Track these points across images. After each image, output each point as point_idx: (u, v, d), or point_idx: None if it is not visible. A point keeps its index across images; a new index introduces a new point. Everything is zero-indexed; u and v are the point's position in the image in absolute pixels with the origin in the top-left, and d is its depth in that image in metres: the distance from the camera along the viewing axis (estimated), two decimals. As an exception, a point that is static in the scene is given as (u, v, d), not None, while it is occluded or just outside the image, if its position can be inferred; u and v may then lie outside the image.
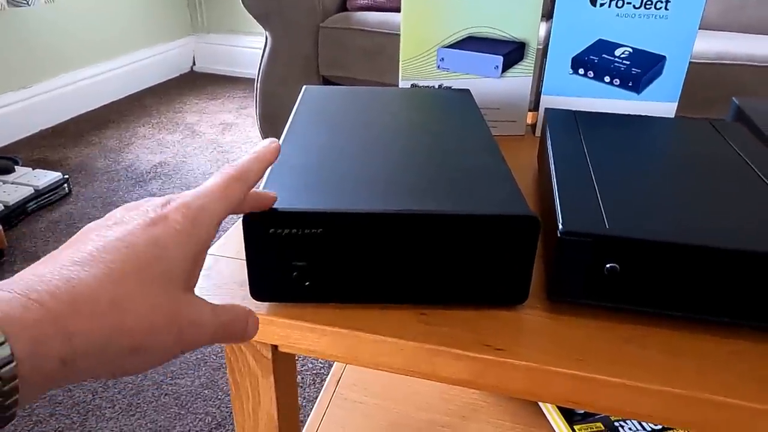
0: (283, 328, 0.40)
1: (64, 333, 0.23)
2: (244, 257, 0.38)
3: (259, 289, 0.39)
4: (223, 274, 0.44)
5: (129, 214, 0.28)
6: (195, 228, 0.28)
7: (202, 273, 0.44)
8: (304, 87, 0.61)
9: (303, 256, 0.37)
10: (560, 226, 0.37)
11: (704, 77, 1.12)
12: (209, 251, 0.46)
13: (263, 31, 1.45)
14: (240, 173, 0.31)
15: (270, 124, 1.51)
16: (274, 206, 0.36)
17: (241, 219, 0.36)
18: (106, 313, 0.24)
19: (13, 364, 0.21)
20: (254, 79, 1.50)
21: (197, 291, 0.41)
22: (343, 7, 1.50)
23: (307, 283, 0.38)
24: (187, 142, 1.94)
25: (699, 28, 0.64)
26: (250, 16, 1.42)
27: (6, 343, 0.21)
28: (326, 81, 1.46)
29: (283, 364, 0.47)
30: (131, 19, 2.37)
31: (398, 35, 1.29)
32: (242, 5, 1.40)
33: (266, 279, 0.38)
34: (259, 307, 0.40)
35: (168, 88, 2.47)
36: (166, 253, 0.27)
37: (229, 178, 0.31)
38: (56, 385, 0.23)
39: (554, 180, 0.43)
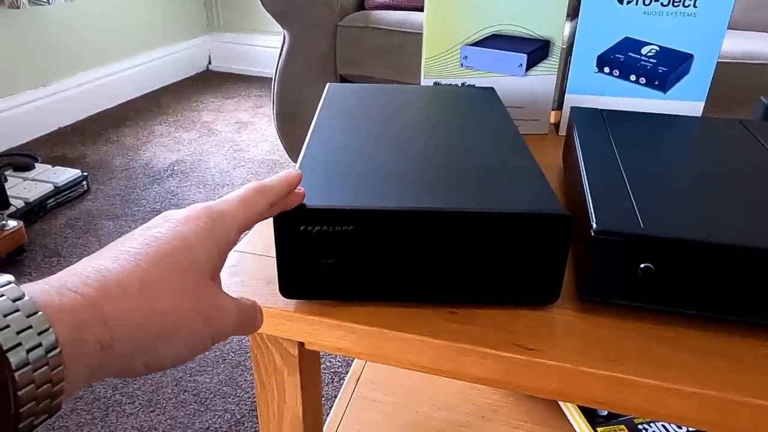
0: (311, 325, 0.40)
1: (101, 317, 0.23)
2: (271, 254, 0.38)
3: (288, 286, 0.39)
4: (250, 270, 0.44)
5: (159, 220, 0.29)
6: (216, 227, 0.30)
7: (228, 270, 0.44)
8: (327, 85, 0.61)
9: (333, 254, 0.37)
10: (594, 225, 0.36)
11: (729, 76, 1.11)
12: (235, 248, 0.47)
13: (279, 30, 1.45)
14: (261, 187, 0.33)
15: (287, 123, 1.51)
16: (305, 203, 0.36)
17: (273, 217, 0.36)
18: (136, 296, 0.25)
19: (58, 350, 0.21)
20: (270, 78, 1.50)
21: (224, 287, 0.42)
22: (361, 6, 1.49)
23: (336, 281, 0.38)
24: (204, 141, 1.95)
25: (724, 27, 0.63)
26: (266, 14, 1.43)
27: (51, 329, 0.21)
28: (344, 80, 1.46)
29: (308, 361, 0.47)
30: (148, 19, 2.39)
31: (417, 34, 1.29)
32: (260, 4, 1.40)
33: (296, 276, 0.38)
34: (288, 304, 0.40)
35: (184, 86, 2.48)
36: (189, 244, 0.28)
37: (250, 189, 0.33)
38: (96, 374, 0.24)
39: (585, 179, 0.42)
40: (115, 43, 2.24)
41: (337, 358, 1.05)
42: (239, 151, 1.88)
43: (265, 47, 2.61)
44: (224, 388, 0.98)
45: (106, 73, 2.20)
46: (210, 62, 2.74)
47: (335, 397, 0.82)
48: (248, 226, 0.32)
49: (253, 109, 2.24)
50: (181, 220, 0.29)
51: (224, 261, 0.31)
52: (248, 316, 0.32)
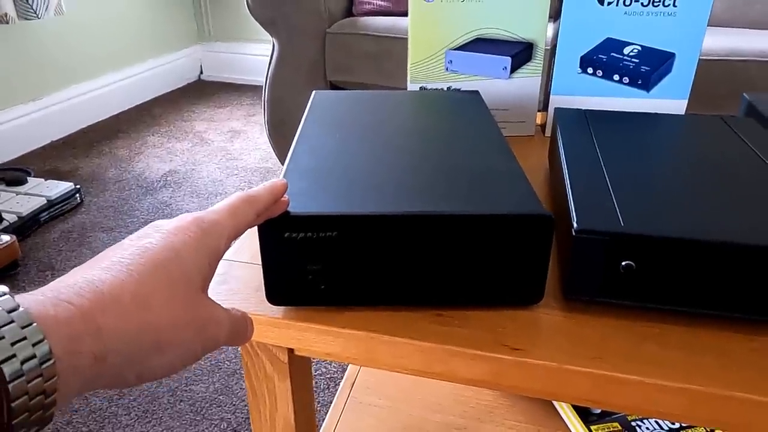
0: (299, 332, 0.40)
1: (95, 328, 0.23)
2: (259, 262, 0.38)
3: (274, 293, 0.39)
4: (238, 279, 0.44)
5: (149, 230, 0.29)
6: (206, 237, 0.30)
7: (217, 278, 0.44)
8: (313, 92, 0.61)
9: (318, 260, 0.37)
10: (575, 225, 0.37)
11: (712, 74, 1.12)
12: (224, 256, 0.47)
13: (270, 38, 1.45)
14: (249, 197, 0.34)
15: (278, 131, 1.51)
16: (289, 210, 0.36)
17: (257, 224, 0.37)
18: (130, 308, 0.25)
19: (52, 361, 0.21)
20: (261, 86, 1.50)
21: (212, 295, 0.42)
22: (349, 13, 1.50)
23: (322, 287, 0.39)
24: (197, 150, 1.96)
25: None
26: (257, 23, 1.43)
27: (45, 340, 0.21)
28: (333, 86, 1.46)
29: (299, 367, 0.47)
30: (139, 30, 2.39)
31: (405, 39, 1.30)
32: (248, 13, 1.41)
33: (282, 283, 0.38)
34: (276, 311, 0.40)
35: (176, 97, 2.48)
36: (180, 254, 0.28)
37: (238, 199, 0.33)
38: (88, 385, 0.24)
39: (567, 178, 0.43)
40: (105, 56, 2.24)
41: (333, 364, 1.05)
42: (232, 160, 1.88)
43: (256, 56, 2.62)
44: (220, 397, 0.98)
45: (98, 86, 2.21)
46: (201, 72, 2.74)
47: (331, 402, 0.82)
48: (236, 236, 0.33)
49: (246, 118, 2.24)
50: (171, 230, 0.29)
51: (214, 271, 0.31)
52: (239, 327, 0.32)
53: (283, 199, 0.36)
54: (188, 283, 0.28)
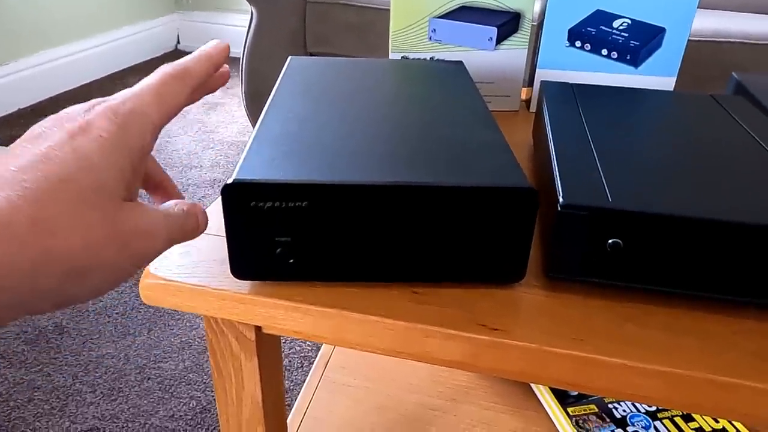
0: (266, 308, 0.38)
1: None
2: (224, 234, 0.36)
3: (240, 267, 0.37)
4: (202, 251, 0.42)
5: (48, 125, 0.25)
6: (124, 134, 0.25)
7: (179, 249, 0.41)
8: (289, 58, 0.58)
9: (287, 231, 0.35)
10: (560, 200, 0.35)
11: (700, 55, 1.10)
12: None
13: (249, 7, 1.40)
14: (178, 71, 0.28)
15: (255, 103, 1.47)
16: (256, 178, 0.34)
17: (221, 192, 0.34)
18: (26, 236, 0.20)
19: None
20: (240, 57, 1.46)
21: (174, 267, 0.39)
22: (331, -18, 1.45)
23: (291, 260, 0.36)
24: (172, 122, 1.90)
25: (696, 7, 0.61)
26: (235, -9, 1.38)
27: None
28: (314, 58, 1.42)
29: (267, 346, 0.44)
30: (113, -5, 2.31)
31: (389, 11, 1.26)
32: (227, -21, 1.36)
33: (248, 256, 0.36)
34: (241, 286, 0.38)
35: (152, 66, 2.41)
36: (91, 163, 0.23)
37: (165, 76, 0.28)
38: None
39: (553, 153, 0.41)
40: (78, 21, 2.16)
41: (307, 342, 1.03)
42: (208, 133, 1.83)
43: (235, 26, 2.55)
44: (190, 375, 0.95)
45: (69, 52, 2.12)
46: (179, 42, 2.66)
47: (304, 382, 0.80)
48: (165, 123, 0.27)
49: (223, 90, 2.18)
50: (77, 129, 0.24)
51: (141, 173, 0.26)
52: (185, 225, 0.28)
53: (224, 70, 0.31)
54: (105, 197, 0.23)
